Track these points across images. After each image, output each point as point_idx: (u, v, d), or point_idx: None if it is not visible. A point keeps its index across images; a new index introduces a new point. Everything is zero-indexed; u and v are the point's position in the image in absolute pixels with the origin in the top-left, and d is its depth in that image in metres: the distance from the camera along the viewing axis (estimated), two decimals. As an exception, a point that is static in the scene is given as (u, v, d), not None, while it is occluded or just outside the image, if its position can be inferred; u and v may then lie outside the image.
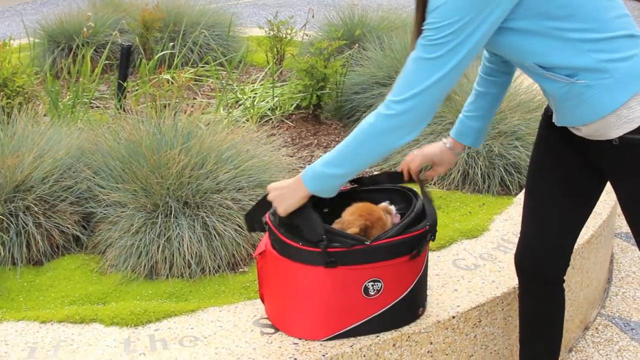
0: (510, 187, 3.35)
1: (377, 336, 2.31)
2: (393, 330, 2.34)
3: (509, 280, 2.62)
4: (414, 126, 1.88)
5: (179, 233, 2.69)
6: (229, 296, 2.59)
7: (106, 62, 4.95)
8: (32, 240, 2.74)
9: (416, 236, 2.27)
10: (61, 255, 2.81)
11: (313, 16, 4.91)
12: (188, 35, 5.33)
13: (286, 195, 2.12)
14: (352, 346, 2.28)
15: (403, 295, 2.32)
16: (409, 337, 2.35)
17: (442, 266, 2.72)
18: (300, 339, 2.30)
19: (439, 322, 2.41)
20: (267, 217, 2.31)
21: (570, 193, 2.13)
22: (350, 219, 2.28)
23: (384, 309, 2.30)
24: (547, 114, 2.12)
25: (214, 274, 2.71)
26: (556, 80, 1.85)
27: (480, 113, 2.27)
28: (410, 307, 2.37)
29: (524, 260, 2.30)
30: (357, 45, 4.59)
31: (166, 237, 2.68)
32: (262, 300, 2.44)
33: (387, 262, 2.24)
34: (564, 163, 2.10)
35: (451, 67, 1.79)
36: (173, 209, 2.74)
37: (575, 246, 2.82)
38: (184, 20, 5.36)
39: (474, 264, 2.73)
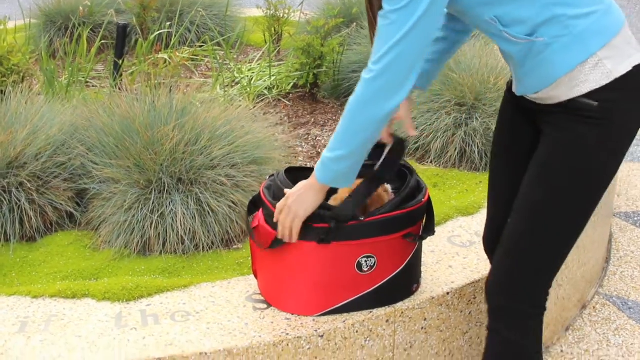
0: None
1: (371, 312, 2.30)
2: (386, 307, 2.33)
3: (505, 256, 2.60)
4: (398, 85, 1.79)
5: (172, 209, 2.68)
6: (222, 272, 2.57)
7: (103, 41, 4.92)
8: (25, 216, 2.73)
9: (411, 212, 2.25)
10: (54, 232, 2.80)
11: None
12: (185, 15, 5.30)
13: (303, 196, 2.05)
14: (344, 322, 2.26)
15: (397, 271, 2.30)
16: (402, 312, 2.34)
17: (438, 242, 2.70)
18: (292, 314, 2.29)
19: (433, 298, 2.40)
20: (261, 191, 2.29)
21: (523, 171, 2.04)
22: (347, 196, 2.26)
23: (377, 285, 2.28)
24: (509, 87, 2.06)
25: (207, 250, 2.69)
26: (516, 42, 1.79)
27: (434, 57, 2.15)
28: (404, 284, 2.36)
29: (487, 243, 2.27)
30: (354, 24, 4.56)
31: (159, 213, 2.67)
32: (256, 276, 2.43)
33: (381, 238, 2.22)
34: (521, 141, 2.05)
35: (421, 13, 1.71)
36: (167, 185, 2.72)
37: None
38: (181, 0, 5.32)
39: (469, 241, 2.71)
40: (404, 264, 2.30)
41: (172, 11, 5.28)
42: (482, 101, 3.44)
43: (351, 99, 1.88)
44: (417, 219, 2.30)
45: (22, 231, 2.73)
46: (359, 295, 2.28)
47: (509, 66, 1.98)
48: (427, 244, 2.68)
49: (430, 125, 3.42)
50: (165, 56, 4.26)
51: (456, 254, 2.63)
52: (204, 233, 2.68)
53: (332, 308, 2.28)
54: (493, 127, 3.35)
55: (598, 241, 3.13)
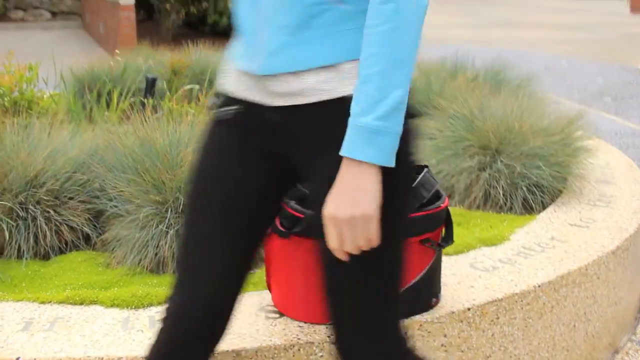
0: (534, 206, 3.25)
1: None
2: (404, 318, 2.23)
3: (529, 279, 2.50)
4: None
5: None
6: (236, 288, 2.49)
7: (132, 99, 4.99)
8: (40, 233, 2.69)
9: (429, 215, 2.19)
10: (69, 252, 2.75)
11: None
12: (214, 81, 5.38)
13: (359, 195, 1.38)
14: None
15: (415, 280, 2.21)
16: (420, 325, 2.24)
17: (459, 267, 2.61)
18: (306, 322, 2.20)
19: (453, 312, 2.29)
20: None
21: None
22: None
23: (394, 293, 2.19)
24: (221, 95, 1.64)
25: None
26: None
27: None
28: (423, 295, 2.26)
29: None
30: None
31: (175, 230, 2.62)
32: (269, 289, 2.35)
33: (398, 240, 2.15)
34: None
35: None
36: (182, 205, 2.68)
37: (600, 254, 2.72)
38: (210, 68, 5.42)
39: (492, 266, 2.62)
40: (423, 273, 2.22)
41: (202, 78, 5.37)
42: (507, 145, 3.40)
43: (386, 22, 1.36)
44: (436, 225, 2.23)
45: (36, 248, 2.70)
46: None
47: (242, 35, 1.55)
48: (449, 268, 2.59)
49: (454, 167, 3.37)
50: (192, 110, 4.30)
51: (478, 277, 2.53)
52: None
53: None
54: (517, 169, 3.29)
55: (629, 281, 3.01)
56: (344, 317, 1.56)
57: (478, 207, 3.30)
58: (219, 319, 1.62)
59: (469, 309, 2.32)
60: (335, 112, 1.43)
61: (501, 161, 3.34)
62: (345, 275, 1.52)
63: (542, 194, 3.27)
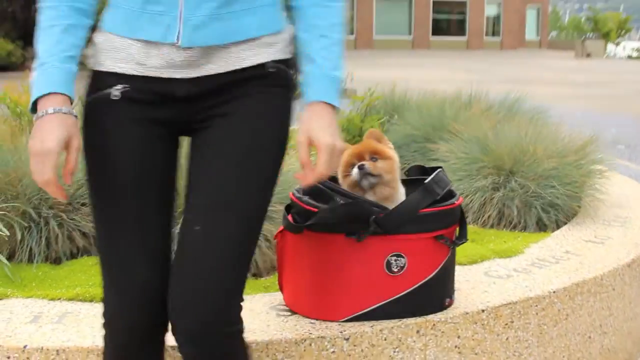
0: (548, 224, 3.22)
1: (400, 320, 2.17)
2: (417, 317, 2.20)
3: (544, 285, 2.47)
4: None
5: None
6: (246, 291, 2.47)
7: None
8: (53, 237, 2.69)
9: (443, 211, 2.17)
10: (80, 257, 2.74)
11: (352, 79, 4.97)
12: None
13: (336, 129, 1.64)
14: (372, 326, 2.14)
15: (429, 277, 2.19)
16: (434, 325, 2.21)
17: (473, 275, 2.58)
18: (318, 319, 2.17)
19: (467, 313, 2.26)
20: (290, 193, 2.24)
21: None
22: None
23: (408, 290, 2.17)
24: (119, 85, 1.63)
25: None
26: None
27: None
28: (436, 294, 2.24)
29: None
30: (396, 115, 4.60)
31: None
32: (282, 290, 2.33)
33: (412, 235, 2.14)
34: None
35: None
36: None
37: (615, 266, 2.69)
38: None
39: (507, 275, 2.59)
40: (437, 270, 2.20)
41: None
42: (521, 166, 3.39)
43: (338, 26, 1.66)
44: (450, 223, 2.21)
45: (47, 252, 2.69)
46: (388, 300, 2.16)
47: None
48: (463, 275, 2.56)
49: (468, 187, 3.36)
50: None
51: (492, 283, 2.50)
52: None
53: (360, 313, 2.16)
54: (532, 188, 3.28)
55: (645, 299, 2.96)
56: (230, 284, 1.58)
57: (492, 226, 3.28)
58: (160, 305, 1.59)
59: (483, 311, 2.29)
60: (254, 76, 1.62)
61: (515, 181, 3.33)
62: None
63: (556, 213, 3.25)
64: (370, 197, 2.13)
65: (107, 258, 1.63)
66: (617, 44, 49.72)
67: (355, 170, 2.13)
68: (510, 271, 2.62)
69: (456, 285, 2.42)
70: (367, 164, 2.12)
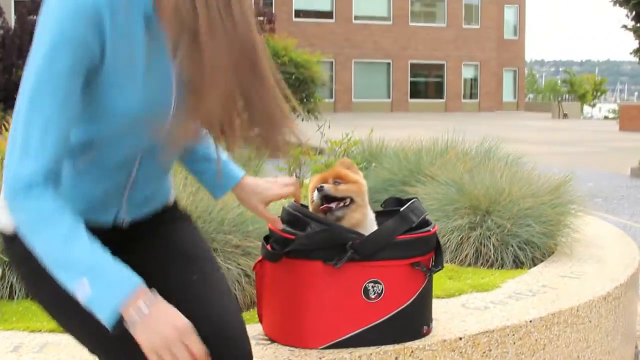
0: (525, 261, 3.27)
1: (379, 347, 2.19)
2: (395, 343, 2.22)
3: (521, 315, 2.50)
4: None
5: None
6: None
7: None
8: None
9: (418, 238, 2.21)
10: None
11: (329, 127, 5.03)
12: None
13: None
14: (351, 353, 2.16)
15: (406, 304, 2.22)
16: (412, 352, 2.23)
17: (450, 307, 2.61)
18: (297, 347, 2.18)
19: (444, 341, 2.29)
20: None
21: None
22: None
23: (385, 317, 2.19)
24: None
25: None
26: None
27: None
28: (414, 321, 2.26)
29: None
30: (373, 163, 4.67)
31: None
32: (261, 320, 2.34)
33: (388, 262, 2.17)
34: None
35: None
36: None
37: (591, 297, 2.72)
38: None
39: (484, 306, 2.62)
40: (414, 297, 2.22)
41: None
42: (497, 206, 3.45)
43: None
44: (426, 250, 2.24)
45: (28, 289, 2.69)
46: (366, 327, 2.18)
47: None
48: (440, 307, 2.59)
49: (445, 226, 3.41)
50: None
51: (470, 314, 2.53)
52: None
53: (338, 340, 2.17)
54: (508, 225, 3.33)
55: (622, 333, 3.00)
56: None
57: (470, 264, 3.32)
58: None
59: (460, 339, 2.32)
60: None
61: (492, 220, 3.39)
62: None
63: (532, 251, 3.30)
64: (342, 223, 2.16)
65: None
66: (593, 106, 50.57)
67: (315, 193, 2.15)
68: (487, 303, 2.65)
69: (434, 316, 2.45)
70: (327, 186, 2.13)
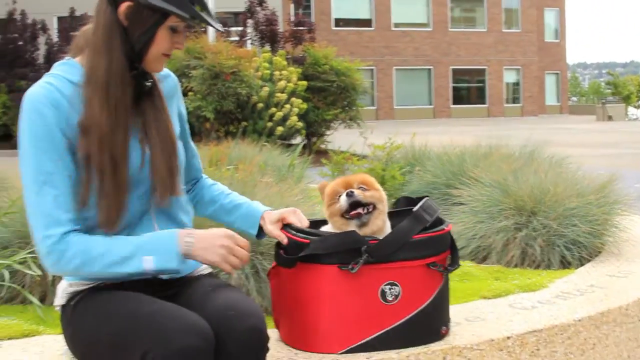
0: (572, 261, 3.24)
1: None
2: (442, 343, 2.21)
3: (569, 314, 2.48)
4: None
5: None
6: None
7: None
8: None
9: (433, 237, 2.18)
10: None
11: (372, 132, 5.03)
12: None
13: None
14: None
15: (424, 305, 2.18)
16: (460, 351, 2.22)
17: (497, 307, 2.60)
18: (316, 352, 2.15)
19: (492, 340, 2.28)
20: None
21: None
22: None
23: (404, 319, 2.15)
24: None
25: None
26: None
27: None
28: (432, 322, 2.23)
29: None
30: (417, 168, 4.66)
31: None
32: (277, 327, 2.32)
33: (404, 262, 2.13)
34: None
35: None
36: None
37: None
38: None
39: (532, 306, 2.61)
40: (432, 297, 2.18)
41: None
42: (542, 206, 3.42)
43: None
44: (441, 249, 2.22)
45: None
46: (385, 330, 2.14)
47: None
48: (487, 307, 2.58)
49: (490, 227, 3.39)
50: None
51: (517, 313, 2.52)
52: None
53: (357, 344, 2.14)
54: (555, 228, 3.30)
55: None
56: None
57: (516, 265, 3.29)
58: None
59: (508, 338, 2.30)
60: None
61: (537, 220, 3.36)
62: None
63: (579, 251, 3.26)
64: (362, 232, 2.14)
65: None
66: (638, 107, 49.73)
67: (343, 197, 2.13)
68: (534, 303, 2.64)
69: (481, 316, 2.45)
70: (357, 192, 2.13)
